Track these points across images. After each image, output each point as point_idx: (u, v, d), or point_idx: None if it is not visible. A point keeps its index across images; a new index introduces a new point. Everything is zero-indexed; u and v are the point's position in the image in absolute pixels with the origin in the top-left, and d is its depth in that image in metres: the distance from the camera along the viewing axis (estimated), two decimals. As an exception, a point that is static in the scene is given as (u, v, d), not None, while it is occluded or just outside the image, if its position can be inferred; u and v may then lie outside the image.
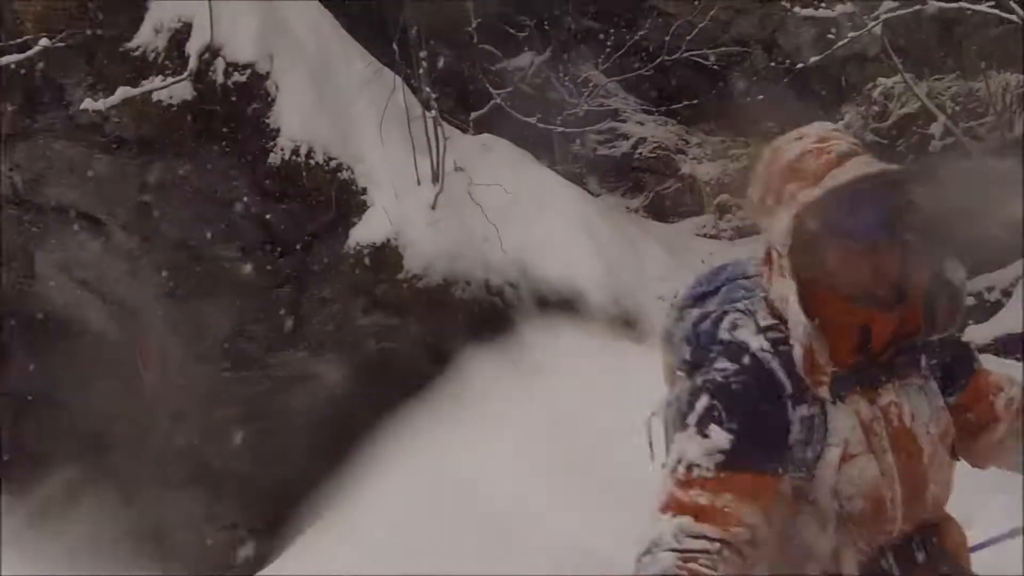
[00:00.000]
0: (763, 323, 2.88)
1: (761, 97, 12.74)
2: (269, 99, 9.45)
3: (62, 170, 9.43)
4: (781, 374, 2.80)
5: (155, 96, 9.21)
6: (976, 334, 11.04)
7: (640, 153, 13.08)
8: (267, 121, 9.41)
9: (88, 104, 9.06)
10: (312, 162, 9.38)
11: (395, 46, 9.76)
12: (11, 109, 9.43)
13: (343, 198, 9.40)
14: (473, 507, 8.15)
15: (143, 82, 9.21)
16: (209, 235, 9.22)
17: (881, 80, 12.32)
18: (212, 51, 9.32)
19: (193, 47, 9.30)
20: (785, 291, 2.81)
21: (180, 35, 9.36)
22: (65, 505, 9.08)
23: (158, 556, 8.93)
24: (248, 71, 9.38)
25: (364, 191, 9.48)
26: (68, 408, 9.29)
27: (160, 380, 9.15)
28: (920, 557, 2.93)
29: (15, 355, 9.39)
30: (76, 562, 8.65)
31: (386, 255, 9.20)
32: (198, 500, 9.05)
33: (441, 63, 11.20)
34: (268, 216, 9.28)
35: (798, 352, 2.76)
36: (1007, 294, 11.31)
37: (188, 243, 9.24)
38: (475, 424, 8.69)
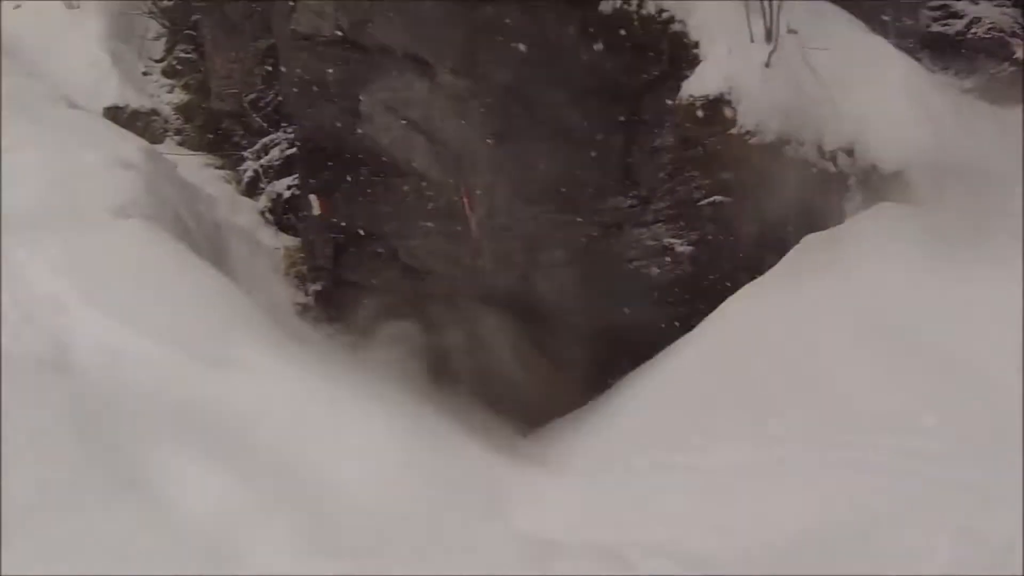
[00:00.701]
0: None
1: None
2: (599, -54, 9.58)
3: (388, 11, 9.75)
4: None
5: (484, -63, 9.43)
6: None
7: (975, 33, 12.81)
8: (598, -33, 9.54)
9: (413, -57, 9.36)
10: (644, 12, 9.49)
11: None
12: (339, -53, 9.78)
13: (675, 50, 9.48)
14: (779, 373, 8.24)
15: (473, -79, 9.43)
16: (539, 80, 9.39)
17: None
18: None
19: None
20: None
21: None
22: (380, 338, 9.48)
23: (474, 391, 9.27)
24: (575, -82, 9.51)
25: (696, 45, 9.55)
26: (390, 245, 9.68)
27: (485, 221, 9.42)
28: None
29: (341, 191, 9.80)
30: (383, 391, 9.00)
31: (719, 109, 9.26)
32: (521, 339, 9.34)
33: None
34: (599, 64, 9.42)
35: None
36: None
37: (517, 87, 9.45)
38: (788, 289, 8.74)
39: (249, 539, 4.93)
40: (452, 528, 6.36)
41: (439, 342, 9.54)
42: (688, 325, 8.75)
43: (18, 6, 12.63)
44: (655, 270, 9.20)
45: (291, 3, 10.07)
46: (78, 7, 12.97)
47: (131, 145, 10.31)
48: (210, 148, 12.14)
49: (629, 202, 9.33)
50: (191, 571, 4.28)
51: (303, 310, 10.50)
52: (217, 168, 11.99)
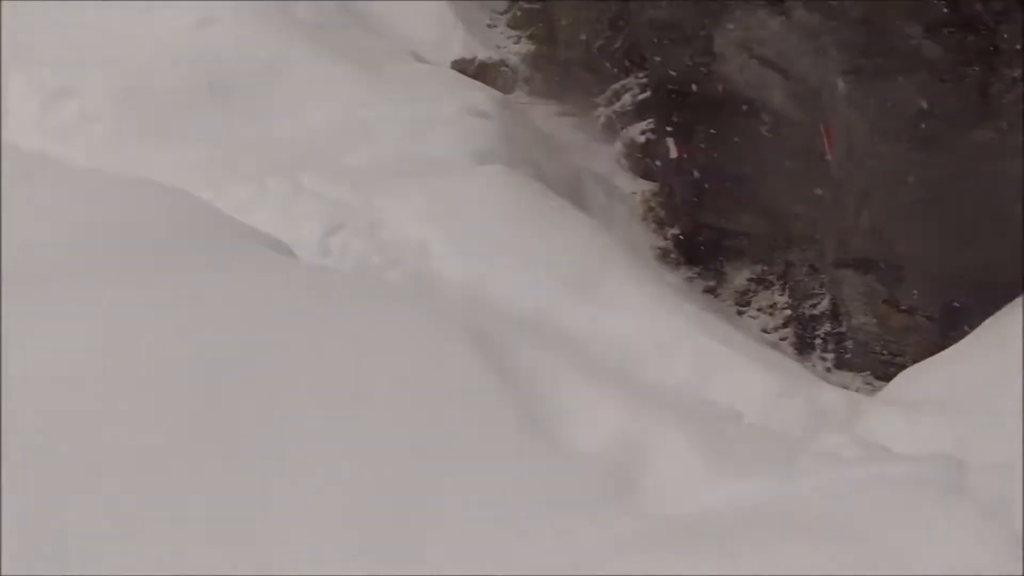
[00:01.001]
0: None
1: None
2: None
3: (737, -52, 9.97)
4: None
5: None
6: None
7: None
8: None
9: None
10: (1000, -63, 9.43)
11: None
12: None
13: (1032, -25, 9.39)
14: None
15: None
16: (893, 12, 9.47)
17: None
18: None
19: None
20: None
21: None
22: (743, 288, 9.79)
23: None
24: None
25: (1051, -32, 9.43)
26: (749, 186, 9.95)
27: (845, 159, 9.59)
28: None
29: (698, 133, 10.12)
30: (745, 334, 9.26)
31: (1078, 35, 9.15)
32: (880, 281, 9.49)
33: None
34: (956, -7, 9.45)
35: None
36: None
37: (872, 20, 9.53)
38: None
39: (653, 465, 5.23)
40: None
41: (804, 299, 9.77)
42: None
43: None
44: (1019, 207, 9.16)
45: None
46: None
47: (482, 95, 10.86)
48: (561, 96, 12.56)
49: (990, 135, 9.30)
50: (603, 499, 4.54)
51: (662, 254, 10.90)
52: (569, 115, 12.41)
